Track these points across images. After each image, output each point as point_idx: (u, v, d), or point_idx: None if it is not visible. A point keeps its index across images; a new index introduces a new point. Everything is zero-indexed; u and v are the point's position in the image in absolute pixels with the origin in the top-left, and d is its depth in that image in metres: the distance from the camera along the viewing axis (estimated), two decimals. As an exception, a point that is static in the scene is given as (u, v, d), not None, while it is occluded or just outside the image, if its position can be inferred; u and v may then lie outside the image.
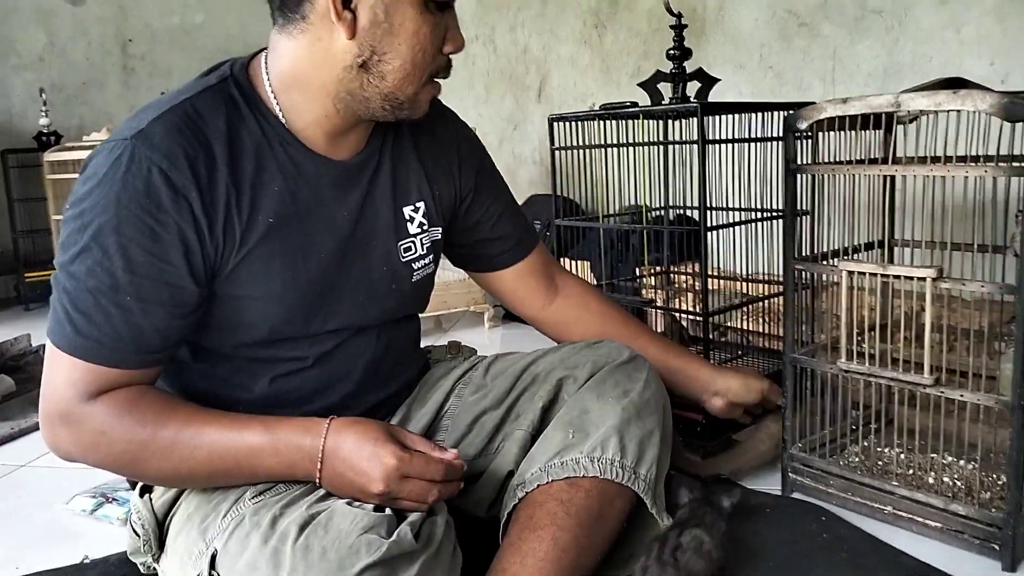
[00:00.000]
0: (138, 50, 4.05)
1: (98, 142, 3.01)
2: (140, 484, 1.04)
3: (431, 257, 1.13)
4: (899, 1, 1.94)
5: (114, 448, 0.88)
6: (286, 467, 0.90)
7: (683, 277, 1.98)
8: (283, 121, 0.95)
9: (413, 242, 1.09)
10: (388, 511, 0.84)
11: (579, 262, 2.46)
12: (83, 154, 2.93)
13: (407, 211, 1.08)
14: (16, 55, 3.80)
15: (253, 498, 0.92)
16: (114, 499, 1.40)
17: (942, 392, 1.17)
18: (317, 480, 0.90)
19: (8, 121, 3.79)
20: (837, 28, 2.09)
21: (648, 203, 1.77)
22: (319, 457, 0.88)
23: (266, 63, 0.96)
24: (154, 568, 1.05)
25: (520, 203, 3.10)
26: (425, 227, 1.10)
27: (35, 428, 1.89)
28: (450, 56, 0.97)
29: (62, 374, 0.88)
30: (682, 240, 2.03)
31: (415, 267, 1.10)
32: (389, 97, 0.94)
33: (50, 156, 3.02)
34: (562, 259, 1.99)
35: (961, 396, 1.15)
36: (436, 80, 0.98)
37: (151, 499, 1.01)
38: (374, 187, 1.04)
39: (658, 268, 1.99)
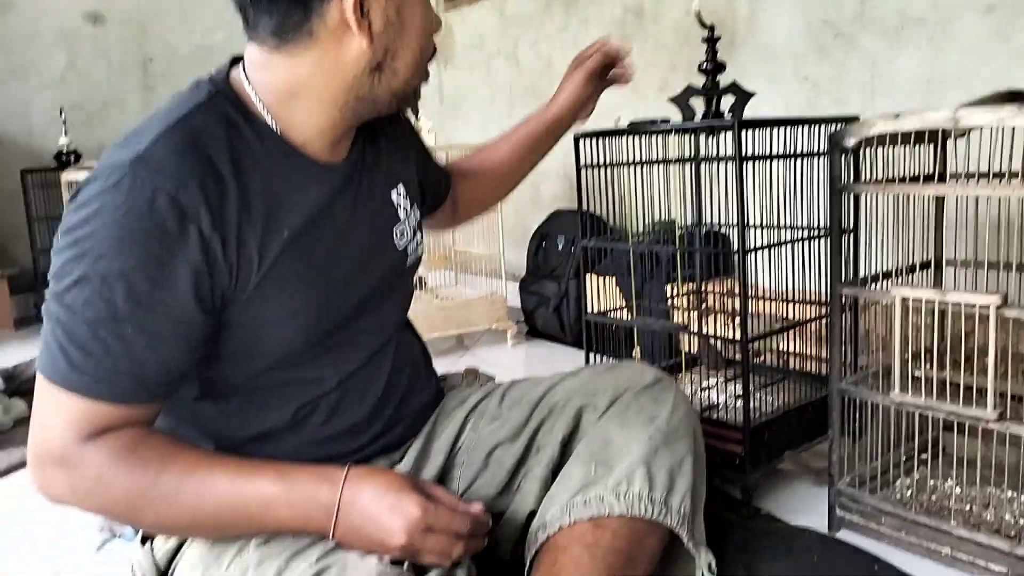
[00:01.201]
0: (158, 69, 4.03)
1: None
2: (141, 531, 0.98)
3: (418, 237, 1.10)
4: (942, 9, 1.86)
5: (112, 494, 0.81)
6: (299, 520, 0.83)
7: (715, 296, 1.90)
8: (280, 133, 0.90)
9: (404, 227, 1.06)
10: (406, 566, 0.77)
11: (605, 278, 2.39)
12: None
13: (393, 196, 1.05)
14: (37, 75, 3.80)
15: (258, 547, 0.85)
16: (122, 535, 1.34)
17: (1007, 428, 1.08)
18: (330, 535, 0.83)
19: (29, 141, 3.79)
20: (876, 38, 2.01)
21: (680, 221, 1.69)
22: (335, 510, 0.82)
23: (247, 77, 0.90)
24: None
25: (544, 218, 3.04)
26: (408, 209, 1.07)
27: (48, 455, 1.84)
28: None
29: (56, 413, 0.81)
30: (714, 257, 1.95)
31: (408, 251, 1.07)
32: (399, 92, 0.93)
33: (68, 176, 3.00)
34: (588, 275, 1.93)
35: (1029, 432, 1.06)
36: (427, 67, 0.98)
37: (152, 548, 0.94)
38: (364, 181, 1.00)
39: (690, 287, 1.91)
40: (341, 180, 0.95)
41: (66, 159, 3.53)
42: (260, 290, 0.86)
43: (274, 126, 0.89)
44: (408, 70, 0.92)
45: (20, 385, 2.27)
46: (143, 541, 0.96)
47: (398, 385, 1.05)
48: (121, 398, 0.81)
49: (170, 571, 0.94)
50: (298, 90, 0.88)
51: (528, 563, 0.95)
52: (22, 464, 1.79)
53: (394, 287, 1.05)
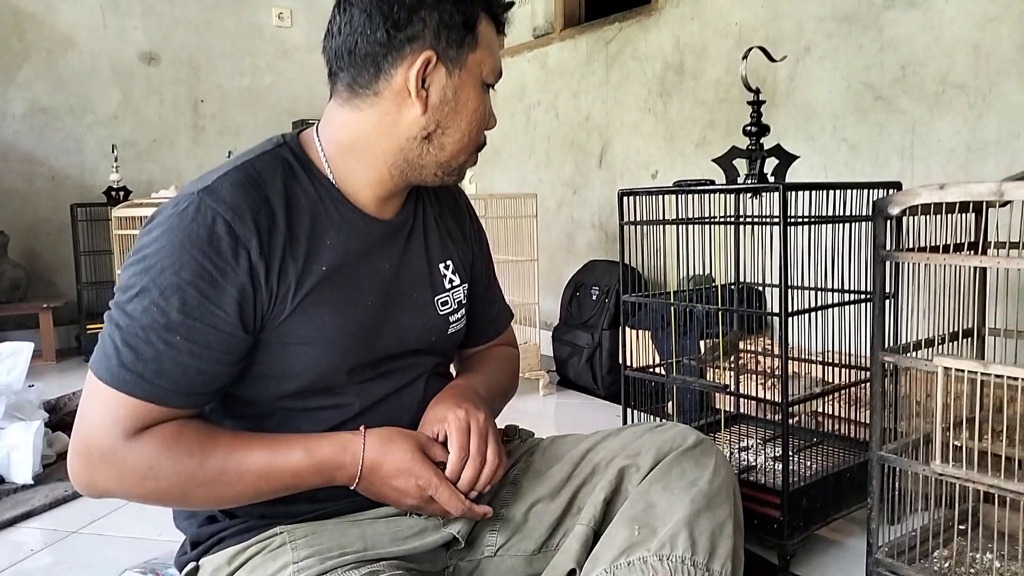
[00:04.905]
0: (209, 110, 4.16)
1: (165, 199, 3.07)
2: (185, 570, 1.01)
3: (462, 312, 1.15)
4: (983, 76, 1.87)
5: (162, 483, 0.89)
6: (327, 482, 0.96)
7: (750, 355, 1.90)
8: (335, 183, 1.01)
9: (448, 297, 1.12)
10: None
11: (639, 331, 2.40)
12: (150, 211, 2.98)
13: (441, 268, 1.12)
14: (92, 113, 3.93)
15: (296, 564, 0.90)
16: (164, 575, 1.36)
17: (1051, 504, 1.07)
18: (353, 487, 0.96)
19: (80, 175, 3.91)
20: (916, 103, 2.02)
21: (716, 278, 1.71)
22: (357, 475, 0.95)
23: (318, 134, 1.03)
24: None
25: (579, 267, 3.07)
26: (456, 284, 1.14)
27: (88, 489, 1.87)
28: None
29: (104, 410, 0.88)
30: (749, 316, 1.96)
31: (451, 320, 1.13)
32: (444, 165, 1.02)
33: (118, 212, 3.08)
34: (622, 328, 1.94)
35: (1074, 510, 1.05)
36: (475, 153, 1.06)
37: None
38: (410, 244, 1.08)
39: (726, 347, 1.91)
40: (385, 234, 1.04)
41: (115, 195, 3.63)
42: (295, 315, 0.94)
43: (331, 176, 1.01)
44: (454, 147, 1.01)
45: (63, 418, 2.32)
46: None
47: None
48: (162, 400, 0.89)
49: None
50: (357, 143, 1.00)
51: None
52: (65, 500, 1.83)
53: (433, 347, 1.11)
